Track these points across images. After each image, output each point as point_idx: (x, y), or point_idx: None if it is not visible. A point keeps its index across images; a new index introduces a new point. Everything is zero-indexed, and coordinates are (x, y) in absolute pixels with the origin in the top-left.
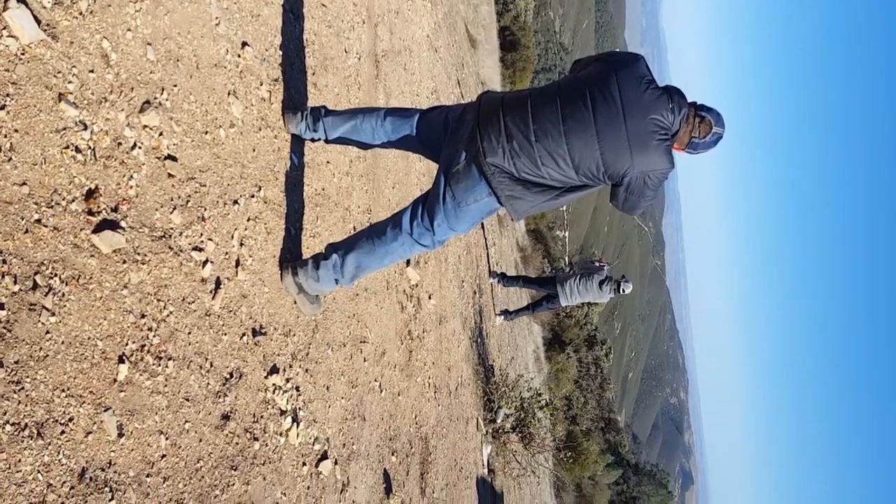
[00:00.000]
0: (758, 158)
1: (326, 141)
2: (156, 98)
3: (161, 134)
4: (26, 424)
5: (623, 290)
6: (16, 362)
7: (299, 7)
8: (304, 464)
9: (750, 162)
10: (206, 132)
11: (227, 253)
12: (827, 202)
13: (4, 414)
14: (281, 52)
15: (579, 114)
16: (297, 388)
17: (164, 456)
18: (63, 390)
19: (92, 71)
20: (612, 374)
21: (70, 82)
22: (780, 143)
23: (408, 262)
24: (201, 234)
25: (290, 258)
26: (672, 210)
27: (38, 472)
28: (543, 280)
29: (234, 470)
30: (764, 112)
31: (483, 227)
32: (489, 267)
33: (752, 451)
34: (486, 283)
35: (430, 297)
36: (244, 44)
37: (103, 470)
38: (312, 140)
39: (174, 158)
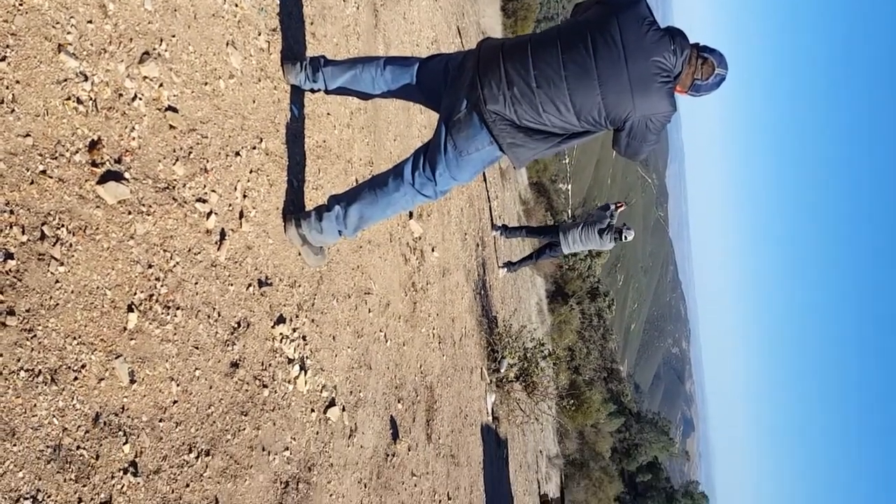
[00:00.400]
0: (763, 103)
1: (326, 91)
2: (154, 49)
3: (161, 85)
4: (40, 371)
5: (625, 238)
6: (27, 311)
7: None
8: (312, 410)
9: (756, 107)
10: (206, 83)
11: (230, 205)
12: (840, 149)
13: (19, 361)
14: (279, 2)
15: (580, 58)
16: (304, 338)
17: (175, 402)
18: (75, 338)
19: (90, 21)
20: (614, 326)
21: (69, 33)
22: (788, 86)
23: (410, 215)
24: (204, 186)
25: (294, 210)
26: (675, 160)
27: (54, 416)
28: (546, 229)
29: (245, 416)
30: (770, 53)
31: (485, 179)
32: (492, 220)
33: (754, 398)
34: (489, 235)
35: (433, 250)
36: None
37: (117, 415)
38: (312, 91)
39: (175, 110)
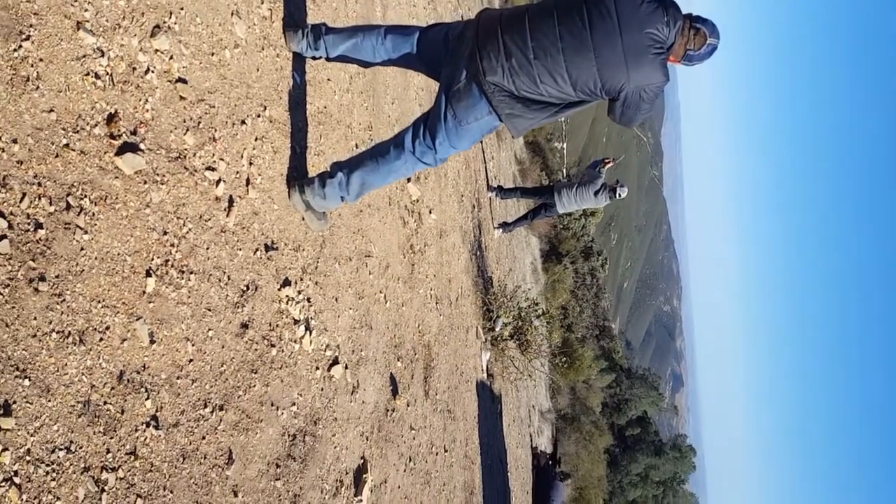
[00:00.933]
0: (760, 65)
1: (327, 59)
2: (165, 22)
3: (171, 57)
4: (69, 332)
5: (619, 195)
6: (56, 276)
7: None
8: (317, 368)
9: (752, 69)
10: (213, 54)
11: (237, 172)
12: (844, 113)
13: (50, 323)
14: None
15: (576, 30)
16: (308, 300)
17: (191, 360)
18: (99, 301)
19: None
20: (607, 284)
21: (86, 10)
22: (786, 48)
23: (408, 179)
24: (213, 155)
25: (297, 176)
26: (671, 119)
27: (83, 374)
28: (541, 189)
29: (255, 373)
30: (767, 18)
31: (481, 141)
32: (487, 181)
33: (743, 353)
34: (485, 196)
35: (430, 212)
36: None
37: (139, 373)
38: (314, 58)
39: (185, 81)
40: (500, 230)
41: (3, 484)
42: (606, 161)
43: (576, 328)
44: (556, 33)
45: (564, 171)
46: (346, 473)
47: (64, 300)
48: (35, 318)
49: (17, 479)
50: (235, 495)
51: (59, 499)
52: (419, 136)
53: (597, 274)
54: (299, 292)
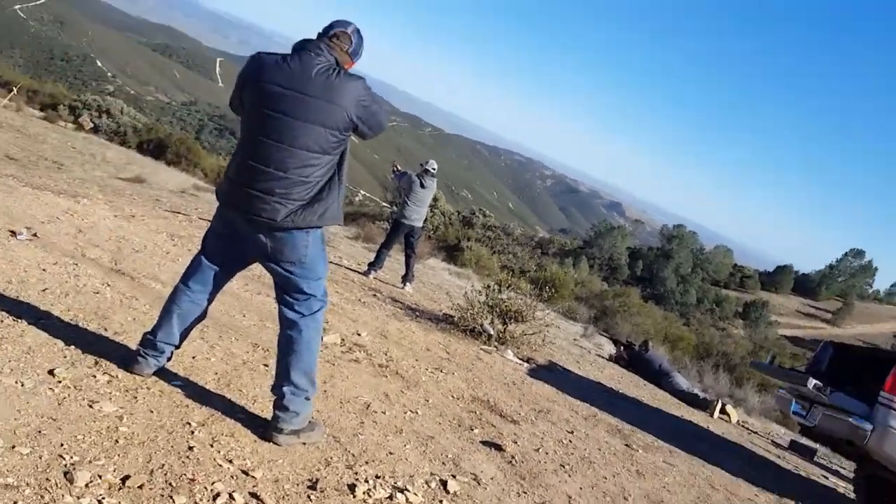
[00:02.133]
0: None
1: (177, 347)
2: None
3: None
4: None
5: (432, 169)
6: None
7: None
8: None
9: None
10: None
11: (234, 479)
12: None
13: None
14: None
15: (279, 127)
16: (377, 476)
17: None
18: None
19: None
20: (498, 221)
21: None
22: None
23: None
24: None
25: (265, 434)
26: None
27: None
28: (393, 228)
29: None
30: None
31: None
32: (360, 272)
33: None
34: (371, 282)
35: (359, 334)
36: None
37: None
38: (168, 360)
39: None
40: (404, 285)
41: None
42: (395, 166)
43: (526, 266)
44: (267, 143)
45: (389, 202)
46: None
47: None
48: None
49: None
50: None
51: None
52: (294, 299)
53: (489, 224)
54: (367, 481)
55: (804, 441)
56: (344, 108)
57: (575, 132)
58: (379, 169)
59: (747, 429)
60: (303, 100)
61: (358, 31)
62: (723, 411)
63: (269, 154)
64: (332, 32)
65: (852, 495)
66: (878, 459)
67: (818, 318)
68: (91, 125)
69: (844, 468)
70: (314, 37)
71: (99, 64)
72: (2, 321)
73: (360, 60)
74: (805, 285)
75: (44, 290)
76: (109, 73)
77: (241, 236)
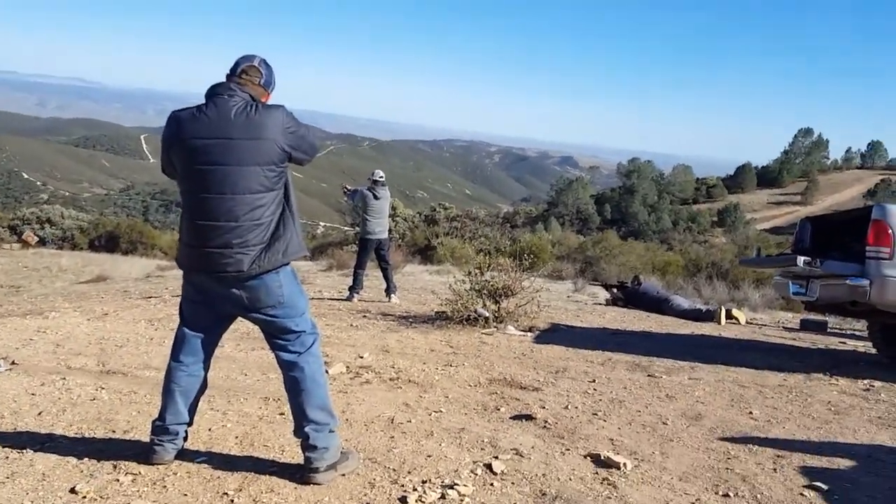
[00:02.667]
0: None
1: (189, 425)
2: None
3: None
4: None
5: (381, 178)
6: None
7: None
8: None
9: None
10: None
11: None
12: None
13: None
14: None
15: (215, 180)
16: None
17: None
18: None
19: None
20: (460, 210)
21: None
22: None
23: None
24: None
25: (302, 478)
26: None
27: None
28: (361, 249)
29: None
30: None
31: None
32: (339, 301)
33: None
34: (358, 306)
35: (362, 357)
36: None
37: None
38: (185, 440)
39: None
40: (388, 297)
41: None
42: (344, 187)
43: (501, 244)
44: (207, 201)
45: (350, 224)
46: None
47: None
48: None
49: None
50: None
51: None
52: (289, 340)
53: (452, 216)
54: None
55: (812, 317)
56: (273, 141)
57: (503, 102)
58: (331, 196)
59: (757, 325)
60: (229, 145)
61: (264, 60)
62: (729, 316)
63: (215, 208)
64: (240, 69)
65: (873, 350)
66: (885, 309)
67: (789, 203)
68: (36, 239)
69: (857, 330)
70: (223, 79)
71: (25, 175)
72: (7, 457)
73: (277, 91)
74: (767, 177)
75: (39, 414)
76: (39, 182)
77: (214, 296)
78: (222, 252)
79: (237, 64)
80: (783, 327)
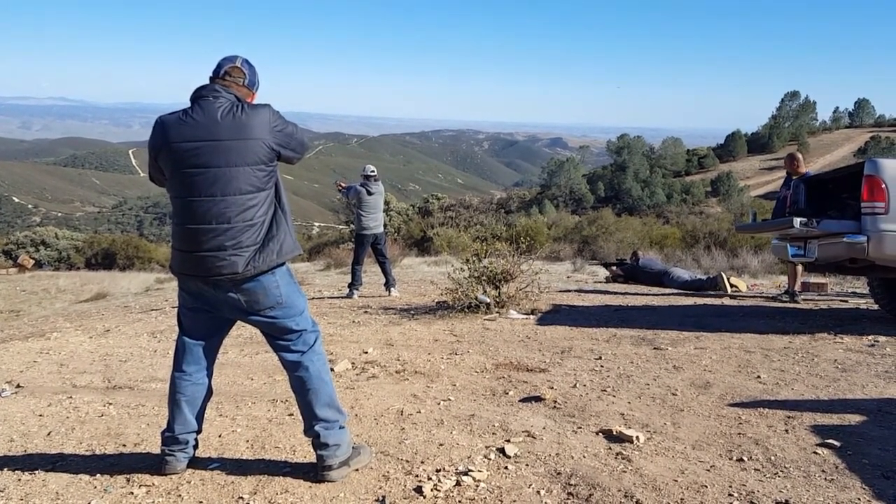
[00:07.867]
0: None
1: (199, 432)
2: None
3: None
4: None
5: (372, 173)
6: None
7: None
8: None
9: None
10: None
11: None
12: None
13: None
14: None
15: (205, 183)
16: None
17: None
18: None
19: None
20: (453, 199)
21: None
22: None
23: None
24: None
25: (316, 476)
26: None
27: None
28: (357, 247)
29: None
30: None
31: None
32: (340, 299)
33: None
34: (358, 302)
35: (366, 352)
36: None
37: None
38: (196, 448)
39: None
40: (389, 291)
41: None
42: (339, 183)
43: (497, 230)
44: (198, 204)
45: (345, 222)
46: None
47: None
48: None
49: None
50: None
51: None
52: (291, 340)
53: (447, 207)
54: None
55: (813, 279)
56: (261, 140)
57: (489, 89)
58: (324, 196)
59: (759, 290)
60: (217, 146)
61: (246, 61)
62: (731, 284)
63: (206, 211)
64: (223, 71)
65: (875, 307)
66: (884, 263)
67: (781, 167)
68: (32, 262)
69: (858, 288)
70: (207, 81)
71: (16, 200)
72: (20, 479)
73: (265, 96)
74: (757, 143)
75: (49, 434)
76: (30, 205)
77: (211, 302)
78: (216, 255)
79: (220, 66)
80: (785, 291)
